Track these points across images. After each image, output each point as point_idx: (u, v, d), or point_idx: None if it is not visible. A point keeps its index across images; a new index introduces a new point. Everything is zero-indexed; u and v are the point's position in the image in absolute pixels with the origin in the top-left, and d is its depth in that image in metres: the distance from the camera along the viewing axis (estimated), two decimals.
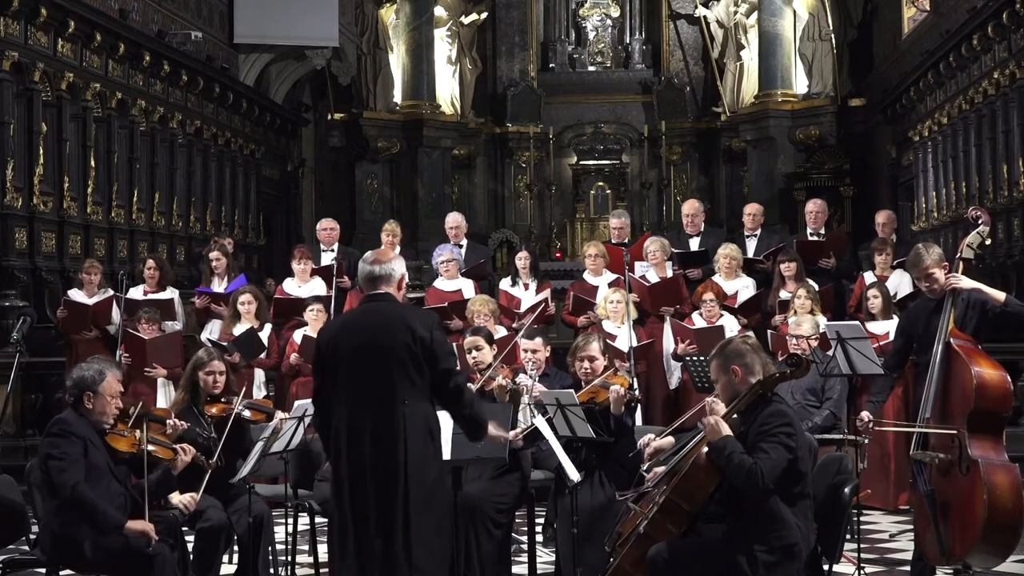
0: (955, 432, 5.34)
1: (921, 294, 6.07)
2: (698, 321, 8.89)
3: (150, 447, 5.60)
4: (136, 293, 9.62)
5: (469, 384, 5.04)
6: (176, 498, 5.81)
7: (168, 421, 5.92)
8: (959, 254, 5.81)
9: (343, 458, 4.79)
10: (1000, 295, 5.71)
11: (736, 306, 9.10)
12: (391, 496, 4.71)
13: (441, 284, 9.83)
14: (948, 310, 5.60)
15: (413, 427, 4.74)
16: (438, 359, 4.80)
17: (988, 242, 6.10)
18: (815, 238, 10.17)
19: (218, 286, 9.76)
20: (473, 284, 9.82)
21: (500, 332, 8.14)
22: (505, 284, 9.86)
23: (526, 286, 9.71)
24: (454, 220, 10.79)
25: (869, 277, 9.21)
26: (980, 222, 5.90)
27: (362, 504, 4.75)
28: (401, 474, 4.71)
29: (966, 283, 5.67)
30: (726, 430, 4.79)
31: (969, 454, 5.29)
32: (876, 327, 8.13)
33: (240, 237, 15.48)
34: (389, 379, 4.75)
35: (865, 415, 5.84)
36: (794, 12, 16.73)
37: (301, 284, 9.78)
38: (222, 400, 6.39)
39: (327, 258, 10.26)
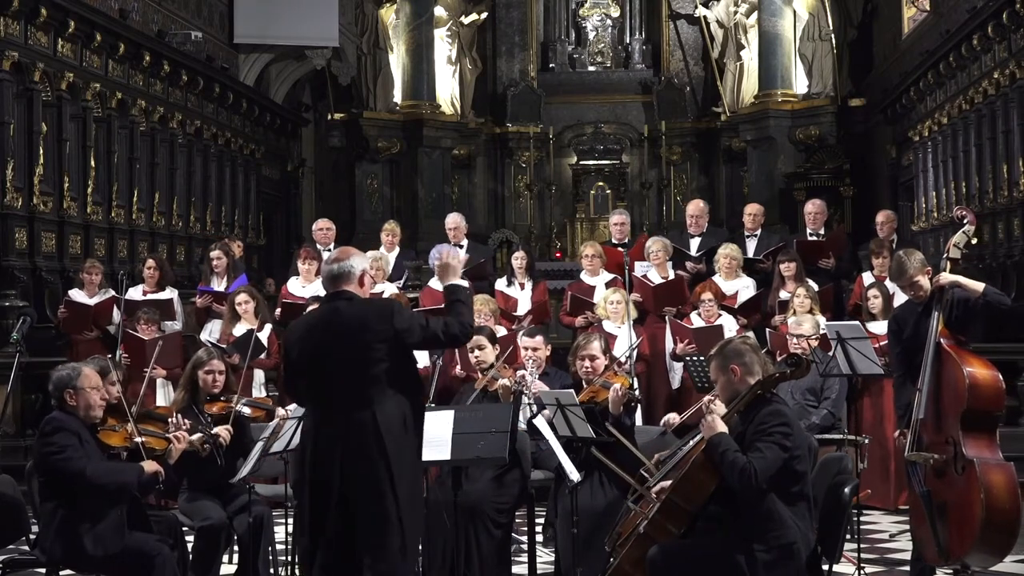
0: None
1: None
2: (696, 321, 8.89)
3: (142, 439, 5.60)
4: (135, 293, 9.62)
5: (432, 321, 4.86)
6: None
7: (170, 419, 5.93)
8: (946, 254, 5.81)
9: (307, 463, 4.77)
10: (979, 286, 5.67)
11: (736, 306, 9.10)
12: (371, 500, 4.64)
13: (436, 284, 9.80)
14: (936, 311, 5.60)
15: (387, 428, 4.67)
16: (406, 336, 4.72)
17: (975, 241, 6.09)
18: (815, 238, 10.17)
19: (218, 285, 9.75)
20: (469, 284, 9.78)
21: (499, 332, 8.13)
22: (501, 284, 9.85)
23: (522, 286, 9.71)
24: (453, 221, 10.78)
25: (868, 278, 9.20)
26: (966, 222, 5.90)
27: (325, 508, 4.70)
28: (383, 473, 4.64)
29: (946, 277, 5.65)
30: (721, 427, 4.80)
31: (964, 454, 5.30)
32: (876, 327, 8.12)
33: (240, 237, 15.46)
34: (355, 383, 4.70)
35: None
36: (794, 12, 16.71)
37: (306, 284, 9.75)
38: (222, 399, 6.43)
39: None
